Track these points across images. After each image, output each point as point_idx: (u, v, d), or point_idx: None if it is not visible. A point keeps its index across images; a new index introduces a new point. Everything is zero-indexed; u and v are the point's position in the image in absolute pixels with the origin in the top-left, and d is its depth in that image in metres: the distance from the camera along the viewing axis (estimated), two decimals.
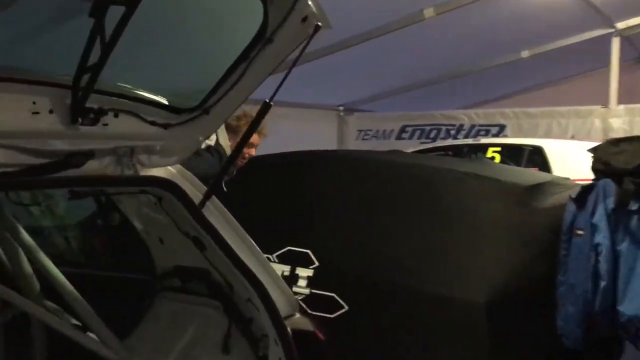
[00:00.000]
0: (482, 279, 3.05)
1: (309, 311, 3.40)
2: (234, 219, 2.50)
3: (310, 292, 3.40)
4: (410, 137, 11.36)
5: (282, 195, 4.00)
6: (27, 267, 2.80)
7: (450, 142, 9.66)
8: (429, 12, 7.90)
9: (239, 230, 2.53)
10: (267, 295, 2.31)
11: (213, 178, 2.60)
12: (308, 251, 3.47)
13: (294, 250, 3.54)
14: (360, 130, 12.02)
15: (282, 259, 3.58)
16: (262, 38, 2.28)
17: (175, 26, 2.35)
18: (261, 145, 4.70)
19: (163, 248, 2.76)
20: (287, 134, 8.98)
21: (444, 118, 11.26)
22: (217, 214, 2.49)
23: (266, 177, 4.22)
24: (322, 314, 3.32)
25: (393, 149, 7.69)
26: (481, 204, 3.40)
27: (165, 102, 2.41)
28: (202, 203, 2.44)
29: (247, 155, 4.34)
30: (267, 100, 2.33)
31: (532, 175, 4.56)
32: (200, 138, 2.54)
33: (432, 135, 11.20)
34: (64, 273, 2.78)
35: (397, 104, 11.78)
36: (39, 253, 2.79)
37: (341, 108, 12.09)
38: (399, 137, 11.50)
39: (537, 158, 7.17)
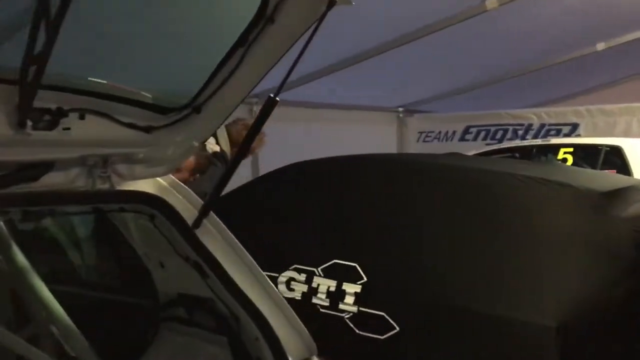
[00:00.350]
0: (553, 300, 2.89)
1: (357, 331, 3.29)
2: (236, 241, 2.14)
3: (358, 310, 3.30)
4: (475, 139, 10.94)
5: (330, 203, 3.91)
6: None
7: (517, 143, 9.19)
8: (491, 3, 7.44)
9: (243, 255, 2.16)
10: (272, 334, 1.95)
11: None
12: (355, 265, 3.38)
13: (341, 263, 3.45)
14: (421, 132, 11.69)
15: (327, 273, 3.51)
16: (262, 17, 1.90)
17: (159, 8, 1.98)
18: (320, 150, 4.54)
19: (164, 273, 2.45)
20: (344, 137, 8.99)
21: (511, 117, 10.82)
22: (215, 234, 2.12)
23: (314, 183, 4.17)
24: (370, 335, 3.24)
25: (456, 151, 7.53)
26: (551, 213, 3.25)
27: (147, 100, 2.04)
28: (197, 222, 2.08)
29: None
30: (272, 95, 1.96)
31: (610, 179, 4.39)
32: (195, 143, 2.15)
33: (498, 136, 10.76)
34: (57, 295, 2.57)
35: (460, 104, 11.42)
36: (32, 275, 2.57)
37: (400, 109, 11.74)
38: (462, 139, 11.11)
39: (615, 159, 6.72)
